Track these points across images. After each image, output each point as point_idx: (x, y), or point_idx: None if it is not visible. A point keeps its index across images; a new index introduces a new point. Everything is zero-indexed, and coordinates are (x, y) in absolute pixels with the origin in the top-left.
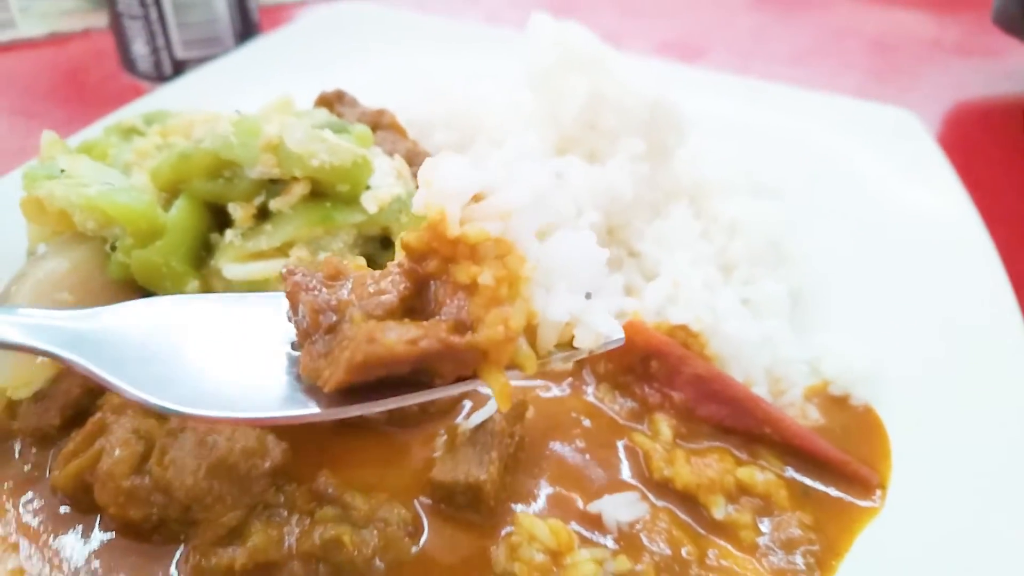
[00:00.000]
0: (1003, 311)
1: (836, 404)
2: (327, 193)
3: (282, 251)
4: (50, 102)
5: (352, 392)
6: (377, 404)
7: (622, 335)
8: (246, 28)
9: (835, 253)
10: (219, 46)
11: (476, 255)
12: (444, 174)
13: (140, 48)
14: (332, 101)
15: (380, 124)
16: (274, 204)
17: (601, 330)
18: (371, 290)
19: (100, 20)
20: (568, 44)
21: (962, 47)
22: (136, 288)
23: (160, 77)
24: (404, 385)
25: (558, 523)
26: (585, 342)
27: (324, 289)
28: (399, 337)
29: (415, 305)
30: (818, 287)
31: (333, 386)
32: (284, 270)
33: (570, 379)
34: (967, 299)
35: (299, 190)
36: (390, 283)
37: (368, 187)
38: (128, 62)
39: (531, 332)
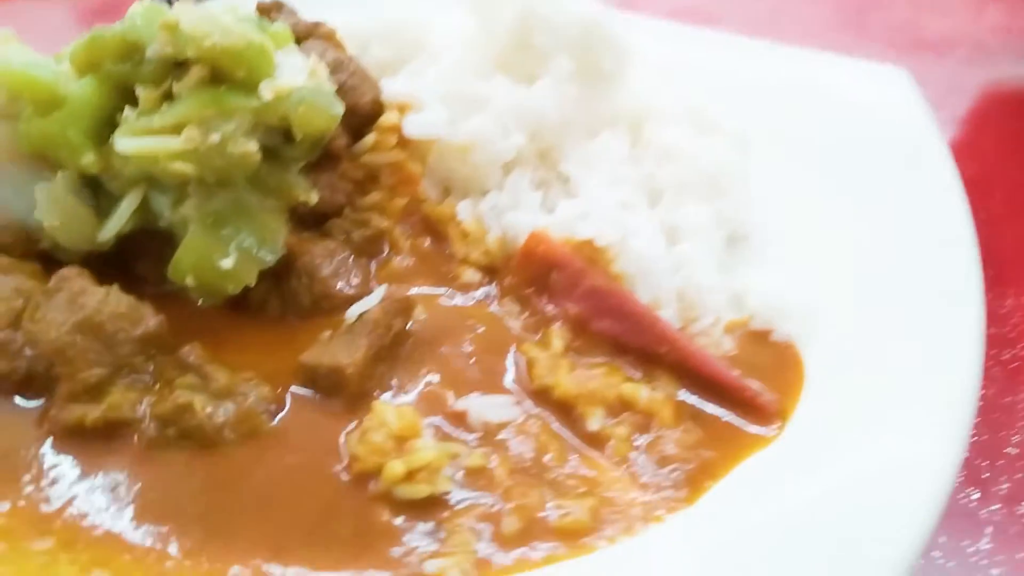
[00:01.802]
0: (958, 268)
1: (756, 338)
2: (227, 79)
3: (175, 129)
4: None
5: None
6: None
7: None
8: None
9: (783, 194)
10: None
11: None
12: None
13: None
14: (270, 9)
15: (314, 33)
16: (177, 88)
17: None
18: None
19: None
20: None
21: (1000, 29)
22: (45, 161)
23: None
24: None
25: (408, 409)
26: None
27: None
28: None
29: None
30: (758, 226)
31: None
32: None
33: (477, 291)
34: (922, 252)
35: (196, 72)
36: None
37: (273, 78)
38: None
39: None
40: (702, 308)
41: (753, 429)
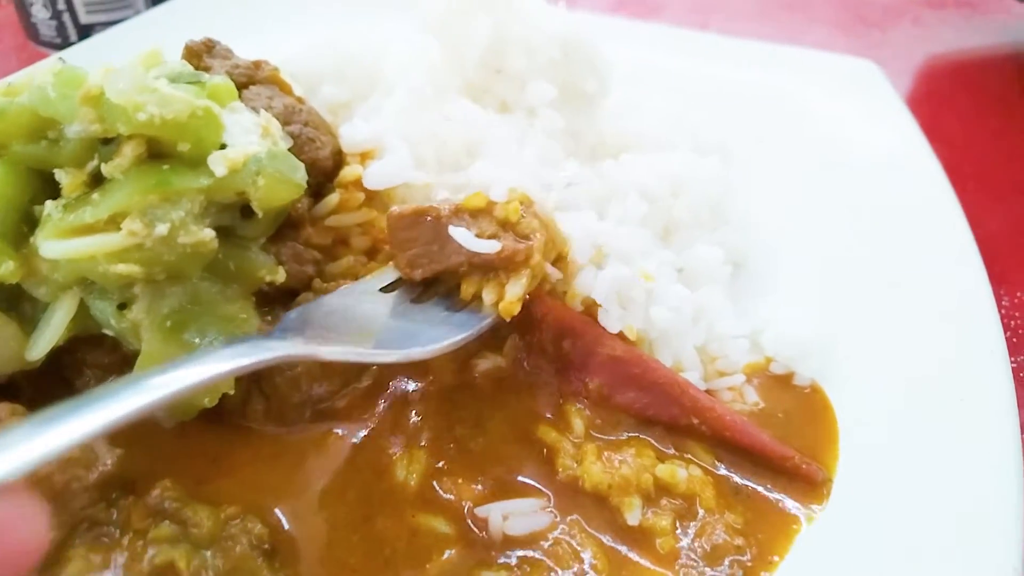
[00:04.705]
0: (966, 275)
1: (779, 384)
2: (168, 154)
3: (112, 223)
4: None
5: None
6: None
7: None
8: None
9: (782, 213)
10: (129, 9)
11: None
12: None
13: (40, 12)
14: (200, 52)
15: (256, 78)
16: (106, 169)
17: None
18: None
19: None
20: None
21: (934, 1)
22: None
23: (65, 45)
24: None
25: None
26: None
27: None
28: None
29: None
30: (762, 252)
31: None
32: None
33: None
34: (927, 263)
35: (129, 151)
36: None
37: (224, 146)
38: (30, 29)
39: None
40: (725, 361)
41: (798, 502)
